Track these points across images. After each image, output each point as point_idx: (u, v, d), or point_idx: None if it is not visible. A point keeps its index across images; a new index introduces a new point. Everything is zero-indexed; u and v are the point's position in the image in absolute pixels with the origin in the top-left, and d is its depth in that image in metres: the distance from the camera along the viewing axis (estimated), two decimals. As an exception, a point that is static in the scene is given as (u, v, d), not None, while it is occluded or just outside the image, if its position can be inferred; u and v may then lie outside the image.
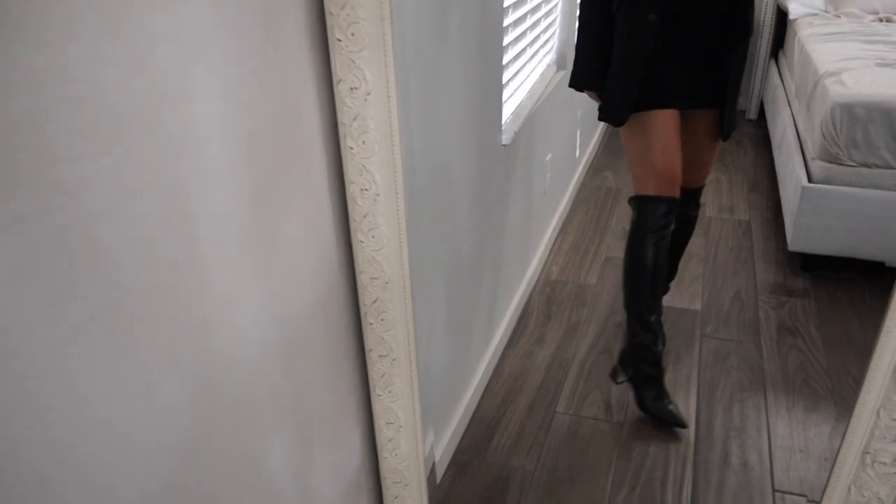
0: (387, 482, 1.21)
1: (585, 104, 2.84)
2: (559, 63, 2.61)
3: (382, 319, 1.05)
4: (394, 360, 1.08)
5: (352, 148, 0.93)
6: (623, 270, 1.76)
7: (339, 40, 0.89)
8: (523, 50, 2.08)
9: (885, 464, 0.94)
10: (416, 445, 1.17)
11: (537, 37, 2.28)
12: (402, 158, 0.95)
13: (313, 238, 0.94)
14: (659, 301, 1.74)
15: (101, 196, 0.58)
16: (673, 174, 1.65)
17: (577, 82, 1.77)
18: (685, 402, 1.85)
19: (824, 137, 2.27)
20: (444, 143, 1.42)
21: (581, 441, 1.75)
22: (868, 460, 0.95)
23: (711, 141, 1.78)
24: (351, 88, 0.91)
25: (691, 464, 1.66)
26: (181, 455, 0.72)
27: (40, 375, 0.54)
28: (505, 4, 1.78)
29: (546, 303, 2.31)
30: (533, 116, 2.10)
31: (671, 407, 1.75)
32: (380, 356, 1.08)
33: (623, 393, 1.88)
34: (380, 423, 1.15)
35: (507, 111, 1.94)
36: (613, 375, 1.85)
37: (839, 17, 3.29)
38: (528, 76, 2.23)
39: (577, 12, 1.70)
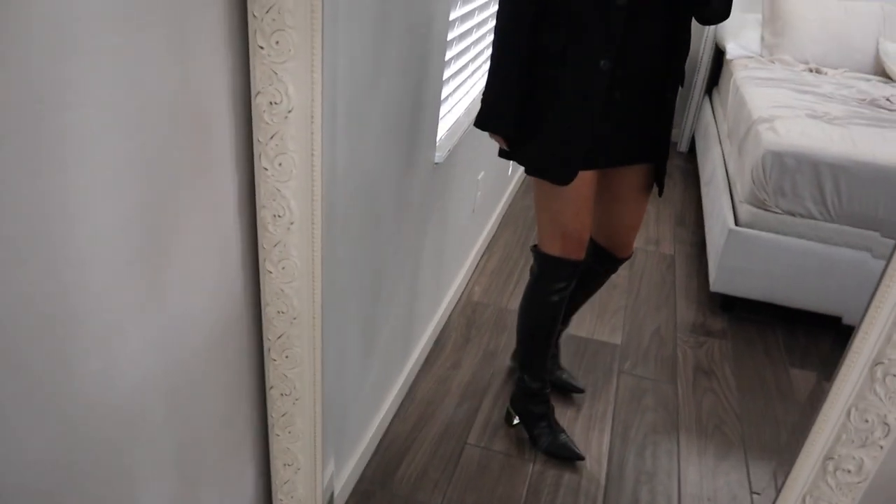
0: (279, 527, 1.12)
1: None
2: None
3: (287, 356, 0.95)
4: (297, 399, 0.99)
5: (266, 169, 0.84)
6: (518, 319, 1.72)
7: (262, 48, 0.79)
8: (465, 65, 2.01)
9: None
10: (315, 489, 1.08)
11: (481, 52, 2.21)
12: (323, 184, 0.86)
13: (215, 264, 0.83)
14: (553, 348, 1.72)
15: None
16: (582, 239, 1.56)
17: (487, 123, 1.50)
18: (599, 439, 1.82)
19: (754, 183, 2.29)
20: (371, 163, 1.33)
21: (491, 477, 1.69)
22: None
23: (644, 198, 1.65)
24: (270, 103, 0.81)
25: (600, 508, 1.63)
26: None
27: None
28: (451, 17, 1.70)
29: (466, 325, 2.25)
30: (468, 133, 2.03)
31: (564, 438, 1.74)
32: (281, 395, 0.99)
33: (537, 428, 1.83)
34: (276, 464, 1.05)
35: (444, 128, 1.86)
36: (508, 419, 1.84)
37: (773, 62, 3.36)
38: (467, 92, 2.16)
39: (491, 47, 1.46)
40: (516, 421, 1.81)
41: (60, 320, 0.61)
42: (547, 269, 1.60)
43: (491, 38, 1.81)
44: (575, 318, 2.01)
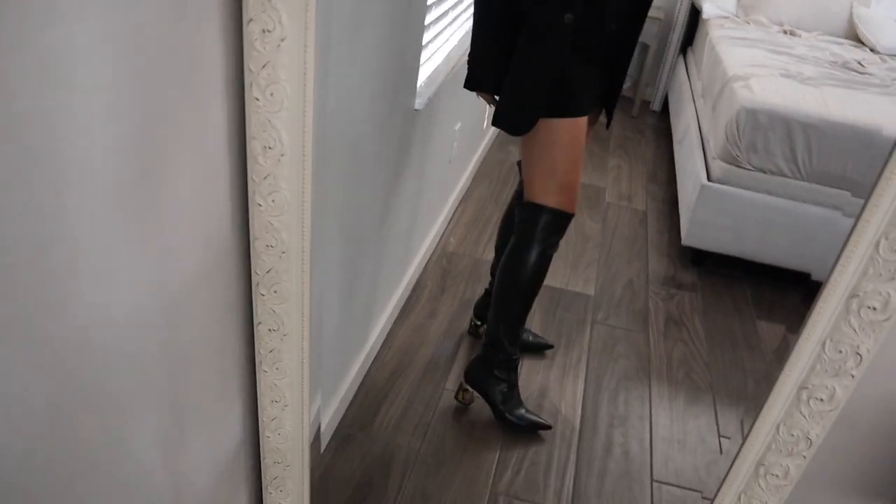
0: (267, 462, 1.13)
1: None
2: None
3: (276, 291, 0.96)
4: (285, 335, 0.99)
5: (257, 99, 0.83)
6: (499, 279, 1.65)
7: (254, -26, 0.77)
8: (446, 12, 1.99)
9: (776, 476, 0.95)
10: (302, 425, 1.09)
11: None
12: (315, 116, 0.85)
13: (204, 197, 0.83)
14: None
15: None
16: (577, 189, 1.56)
17: (474, 82, 1.54)
18: (573, 386, 1.86)
19: (727, 139, 2.32)
20: (358, 103, 1.32)
21: (468, 421, 1.72)
22: (762, 472, 0.96)
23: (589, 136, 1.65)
24: (263, 31, 0.80)
25: (575, 450, 1.67)
26: (30, 442, 0.61)
27: None
28: (432, -39, 1.68)
29: (441, 275, 2.27)
30: (447, 82, 2.02)
31: (531, 416, 1.70)
32: (269, 330, 0.99)
33: (514, 374, 1.86)
34: (264, 400, 1.06)
35: (424, 74, 1.85)
36: (462, 396, 1.75)
37: (748, 23, 3.38)
38: (447, 40, 2.14)
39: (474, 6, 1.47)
40: (468, 398, 1.74)
41: (56, 248, 0.60)
42: (538, 219, 1.56)
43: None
44: (549, 269, 2.04)
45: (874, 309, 0.85)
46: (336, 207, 1.33)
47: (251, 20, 0.79)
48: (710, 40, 3.20)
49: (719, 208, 2.37)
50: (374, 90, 1.41)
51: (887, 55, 2.89)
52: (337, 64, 1.17)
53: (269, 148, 0.86)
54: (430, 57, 1.93)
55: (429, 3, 1.73)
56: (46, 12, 0.54)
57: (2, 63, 0.51)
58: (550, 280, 2.28)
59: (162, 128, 0.71)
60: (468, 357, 1.92)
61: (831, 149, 2.22)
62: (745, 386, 1.95)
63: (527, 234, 1.58)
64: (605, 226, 2.69)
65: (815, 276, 2.24)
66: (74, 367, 0.65)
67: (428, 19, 1.76)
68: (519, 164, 1.81)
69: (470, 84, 1.55)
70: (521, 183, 1.79)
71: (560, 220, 1.56)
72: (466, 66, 1.54)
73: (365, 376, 1.80)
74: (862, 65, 2.78)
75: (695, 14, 3.82)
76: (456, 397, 1.75)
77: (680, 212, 2.61)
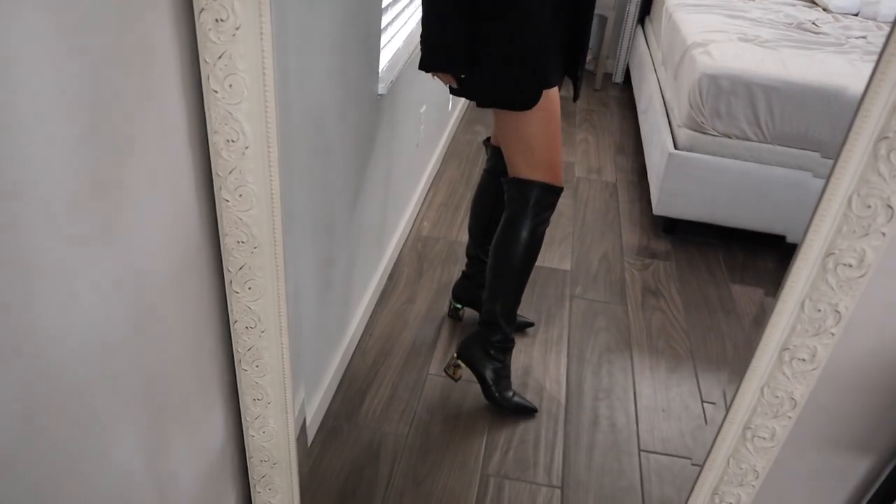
0: (253, 461, 1.11)
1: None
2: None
3: (250, 288, 0.93)
4: (262, 332, 0.97)
5: (216, 92, 0.80)
6: (492, 258, 1.62)
7: (203, -39, 0.75)
8: (403, -6, 1.96)
9: (763, 438, 0.96)
10: (286, 422, 1.07)
11: (417, -19, 2.16)
12: (277, 105, 0.83)
13: (168, 195, 0.80)
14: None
15: None
16: (560, 162, 1.54)
17: (434, 63, 1.47)
18: (556, 362, 1.87)
19: (691, 106, 2.33)
20: (320, 91, 1.30)
21: (454, 404, 1.72)
22: (748, 435, 0.96)
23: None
24: (216, 20, 0.77)
25: (562, 425, 1.68)
26: (5, 454, 0.59)
27: None
28: (386, -58, 1.65)
29: (417, 259, 2.25)
30: (410, 65, 1.99)
31: (517, 398, 1.70)
32: (246, 328, 0.97)
33: (495, 355, 1.86)
34: (246, 399, 1.04)
35: (385, 58, 1.82)
36: (453, 371, 1.71)
37: (704, -13, 3.38)
38: (406, 22, 2.11)
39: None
40: (459, 375, 1.72)
41: (14, 255, 0.57)
42: (529, 194, 1.53)
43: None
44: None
45: (850, 266, 0.86)
46: (305, 199, 1.31)
47: (203, 9, 0.76)
48: (667, 9, 3.20)
49: (688, 176, 2.38)
50: (335, 77, 1.39)
51: (840, 14, 2.91)
52: (295, 52, 1.15)
53: (232, 141, 0.83)
54: (389, 40, 1.90)
55: (385, -16, 1.70)
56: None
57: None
58: (526, 258, 2.29)
59: (116, 127, 0.69)
60: (449, 340, 1.91)
61: (793, 110, 2.25)
62: (724, 350, 1.97)
63: (518, 210, 1.55)
64: (577, 200, 2.69)
65: (790, 239, 2.27)
66: (44, 378, 0.63)
67: (385, 1, 1.73)
68: (485, 142, 1.80)
69: (431, 65, 1.48)
70: (488, 161, 1.78)
71: (550, 194, 1.55)
72: (420, 46, 1.50)
73: (347, 366, 1.79)
74: (816, 25, 2.80)
75: (651, -17, 3.82)
76: (446, 371, 1.73)
77: (649, 181, 2.62)
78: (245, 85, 0.81)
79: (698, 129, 2.33)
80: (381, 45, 1.74)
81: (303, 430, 1.35)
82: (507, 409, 1.68)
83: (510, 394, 1.69)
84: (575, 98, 1.64)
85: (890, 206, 0.81)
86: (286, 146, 1.13)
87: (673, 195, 2.42)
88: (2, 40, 0.53)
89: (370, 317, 1.96)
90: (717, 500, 1.05)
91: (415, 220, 2.44)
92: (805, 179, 2.24)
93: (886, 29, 0.75)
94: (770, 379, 0.94)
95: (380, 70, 1.74)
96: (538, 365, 1.85)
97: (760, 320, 0.96)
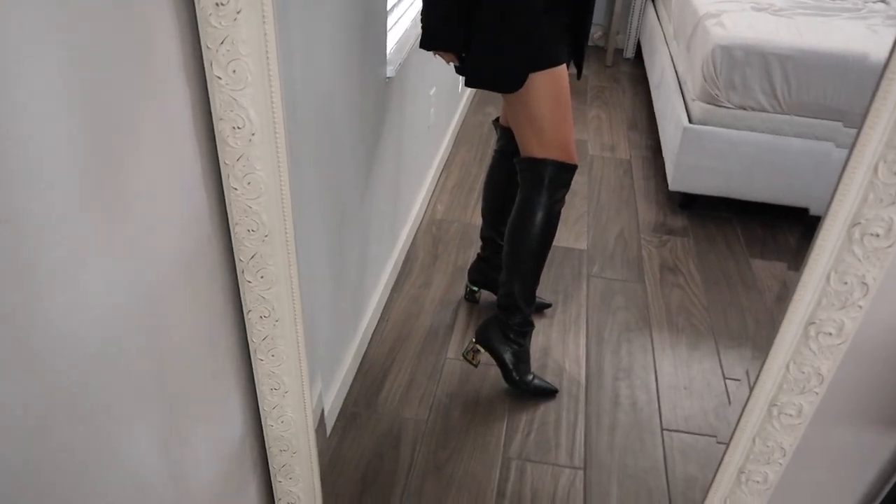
0: (273, 451, 1.11)
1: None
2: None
3: (262, 277, 0.92)
4: (277, 321, 0.96)
5: (220, 78, 0.78)
6: (508, 239, 1.59)
7: (202, -56, 0.73)
8: (408, -26, 1.93)
9: (790, 415, 0.94)
10: (304, 410, 1.07)
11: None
12: (282, 90, 0.81)
13: (175, 185, 0.79)
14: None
15: None
16: (572, 139, 1.52)
17: (436, 40, 1.47)
18: (575, 342, 1.85)
19: (704, 79, 2.28)
20: (327, 76, 1.28)
21: (473, 388, 1.71)
22: (774, 412, 0.94)
23: None
24: (217, 4, 0.75)
25: (583, 406, 1.66)
26: (15, 455, 0.58)
27: None
28: (390, -79, 1.62)
29: (432, 243, 2.24)
30: (416, 47, 1.96)
31: (538, 381, 1.69)
32: (261, 317, 0.96)
33: (513, 337, 1.85)
34: (263, 389, 1.03)
35: (392, 40, 1.80)
36: (472, 357, 1.71)
37: (715, -43, 3.31)
38: (412, 3, 2.08)
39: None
40: (479, 359, 1.71)
41: (20, 253, 0.56)
42: (550, 176, 1.50)
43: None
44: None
45: (877, 236, 0.83)
46: (314, 186, 1.30)
47: (203, -7, 0.75)
48: (678, -20, 3.14)
49: (703, 150, 2.34)
50: (341, 61, 1.36)
51: (857, -21, 2.84)
52: (300, 36, 1.13)
53: (238, 128, 0.82)
54: (396, 22, 1.87)
55: (390, -35, 1.67)
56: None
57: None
58: (541, 238, 2.27)
59: (118, 118, 0.67)
60: (466, 324, 1.90)
61: (810, 79, 2.20)
62: (745, 326, 1.95)
63: (533, 190, 1.53)
64: (591, 178, 2.66)
65: (813, 211, 2.23)
66: (53, 376, 0.62)
67: (391, -18, 1.71)
68: (495, 122, 1.77)
69: (431, 44, 1.48)
70: (499, 141, 1.75)
71: (564, 173, 1.52)
72: (421, 24, 1.49)
73: (365, 353, 1.78)
74: (832, -9, 2.74)
75: (661, -45, 3.74)
76: (464, 356, 1.71)
77: (664, 157, 2.58)
78: (249, 70, 0.79)
79: (713, 101, 2.29)
80: (388, 27, 1.72)
81: (321, 419, 1.35)
82: (528, 392, 1.67)
83: (530, 377, 1.67)
84: (578, 76, 1.61)
85: (918, 173, 0.79)
86: (294, 133, 1.11)
87: (689, 170, 2.38)
88: (-5, 30, 0.51)
89: (386, 302, 1.95)
90: (744, 478, 1.03)
91: (428, 204, 2.42)
92: (827, 150, 2.19)
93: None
94: (796, 354, 0.91)
95: (387, 53, 1.72)
96: (557, 346, 1.84)
97: (783, 295, 0.93)
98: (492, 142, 2.86)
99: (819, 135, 2.22)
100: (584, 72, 1.60)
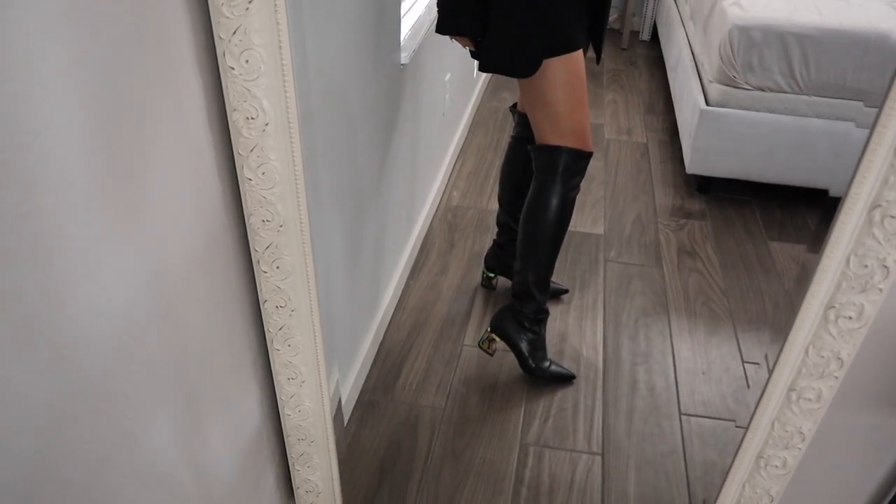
0: (291, 440, 1.11)
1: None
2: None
3: (278, 267, 0.93)
4: (293, 310, 0.97)
5: (233, 68, 0.78)
6: (522, 226, 1.58)
7: (212, -66, 0.73)
8: (420, -40, 1.92)
9: (809, 399, 0.93)
10: (322, 400, 1.07)
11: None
12: (295, 80, 0.81)
13: (190, 177, 0.79)
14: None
15: None
16: (588, 126, 1.50)
17: (452, 25, 1.46)
18: (592, 328, 1.84)
19: (722, 60, 2.25)
20: (339, 62, 1.27)
21: (490, 375, 1.71)
22: (793, 397, 0.93)
23: None
24: (229, -5, 0.75)
25: (601, 391, 1.66)
26: (37, 447, 0.59)
27: None
28: None
29: (448, 230, 2.23)
30: (431, 33, 1.95)
31: (556, 367, 1.68)
32: (277, 307, 0.96)
33: (530, 323, 1.84)
34: (280, 378, 1.04)
35: (406, 27, 1.79)
36: (488, 346, 1.70)
37: (732, -66, 3.26)
38: (425, -11, 2.07)
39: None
40: (494, 347, 1.71)
41: (38, 247, 0.57)
42: (564, 164, 1.49)
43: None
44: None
45: (898, 217, 0.82)
46: (330, 174, 1.30)
47: (215, -15, 0.74)
48: (695, -40, 3.09)
49: (721, 132, 2.32)
50: (355, 48, 1.36)
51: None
52: (313, 24, 1.12)
53: (252, 118, 0.82)
54: (410, 8, 1.86)
55: (402, -50, 1.66)
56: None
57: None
58: (557, 224, 2.25)
59: (132, 110, 0.67)
60: (483, 310, 1.90)
61: (829, 59, 2.16)
62: (764, 310, 1.93)
63: (547, 178, 1.52)
64: (608, 162, 2.64)
65: (832, 192, 2.20)
66: (72, 367, 0.63)
67: (403, -32, 1.70)
68: (512, 108, 1.76)
69: (446, 28, 1.47)
70: (515, 128, 1.74)
71: (579, 160, 1.50)
72: (437, 9, 1.48)
73: (382, 341, 1.79)
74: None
75: (677, -65, 3.69)
76: (480, 345, 1.72)
77: (681, 140, 2.56)
78: (262, 60, 0.79)
79: (730, 83, 2.26)
80: (402, 13, 1.71)
81: (339, 408, 1.36)
82: (545, 378, 1.67)
83: (547, 364, 1.67)
84: (598, 61, 1.59)
85: (940, 154, 0.77)
86: (308, 122, 1.11)
87: (706, 153, 2.36)
88: (12, 26, 0.52)
89: (403, 290, 1.95)
90: (763, 463, 1.02)
91: (444, 191, 2.41)
92: (847, 130, 2.16)
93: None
94: (815, 339, 0.90)
95: (401, 39, 1.71)
96: (574, 332, 1.83)
97: (802, 278, 0.92)
98: (508, 127, 2.85)
99: (838, 114, 2.19)
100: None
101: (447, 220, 2.27)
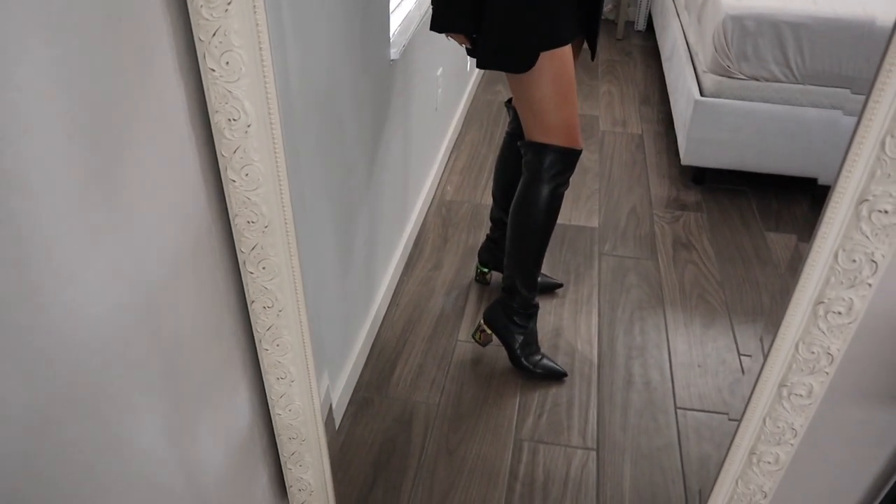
0: (282, 439, 1.11)
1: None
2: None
3: (264, 268, 0.92)
4: (280, 311, 0.96)
5: (213, 70, 0.78)
6: (511, 222, 1.58)
7: (189, -65, 0.72)
8: (410, -47, 1.91)
9: (800, 395, 0.93)
10: (311, 398, 1.07)
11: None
12: (276, 80, 0.80)
13: (174, 180, 0.79)
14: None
15: None
16: (576, 123, 1.49)
17: (446, 22, 1.44)
18: (587, 322, 1.84)
19: (716, 50, 2.24)
20: (325, 60, 1.26)
21: (484, 370, 1.71)
22: (784, 393, 0.93)
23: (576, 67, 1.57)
24: (208, -4, 0.74)
25: (596, 386, 1.66)
26: (21, 459, 0.59)
27: None
28: None
29: (442, 225, 2.23)
30: (422, 28, 1.94)
31: (546, 361, 1.68)
32: (264, 308, 0.96)
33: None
34: (269, 378, 1.04)
35: (395, 22, 1.78)
36: (480, 336, 1.71)
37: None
38: (416, -17, 2.05)
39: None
40: (488, 341, 1.71)
41: (17, 253, 0.56)
42: (550, 161, 1.48)
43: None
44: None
45: (885, 212, 0.81)
46: (320, 173, 1.29)
47: (193, -14, 0.74)
48: (689, -51, 3.07)
49: (716, 123, 2.31)
50: (343, 45, 1.35)
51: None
52: (297, 23, 1.11)
53: (234, 120, 0.81)
54: (399, 3, 1.85)
55: (390, -55, 1.64)
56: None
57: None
58: (552, 217, 2.25)
59: (114, 113, 0.67)
60: (477, 306, 1.90)
61: (824, 47, 2.15)
62: (760, 301, 1.93)
63: (535, 173, 1.51)
64: (602, 154, 2.63)
65: (821, 181, 2.19)
66: (56, 372, 0.62)
67: (392, -37, 1.68)
68: (507, 103, 1.75)
69: (441, 26, 1.46)
70: (510, 123, 1.74)
71: (567, 157, 1.49)
72: (431, 6, 1.47)
73: (376, 337, 1.78)
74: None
75: (671, -77, 3.66)
76: (473, 336, 1.72)
77: (676, 131, 2.55)
78: (242, 61, 0.78)
79: (724, 73, 2.25)
80: (391, 8, 1.70)
81: (329, 406, 1.35)
82: (536, 373, 1.66)
83: (538, 357, 1.67)
84: (592, 57, 1.58)
85: (928, 147, 0.76)
86: (294, 121, 1.11)
87: (701, 144, 2.35)
88: (-24, 33, 0.51)
89: (396, 286, 1.95)
90: (755, 459, 1.02)
91: (438, 186, 2.41)
92: (835, 118, 2.16)
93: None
94: (805, 334, 0.90)
95: (391, 35, 1.70)
96: (569, 326, 1.83)
97: (796, 268, 0.92)
98: (502, 121, 2.84)
99: (829, 103, 2.18)
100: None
101: (441, 215, 2.27)
